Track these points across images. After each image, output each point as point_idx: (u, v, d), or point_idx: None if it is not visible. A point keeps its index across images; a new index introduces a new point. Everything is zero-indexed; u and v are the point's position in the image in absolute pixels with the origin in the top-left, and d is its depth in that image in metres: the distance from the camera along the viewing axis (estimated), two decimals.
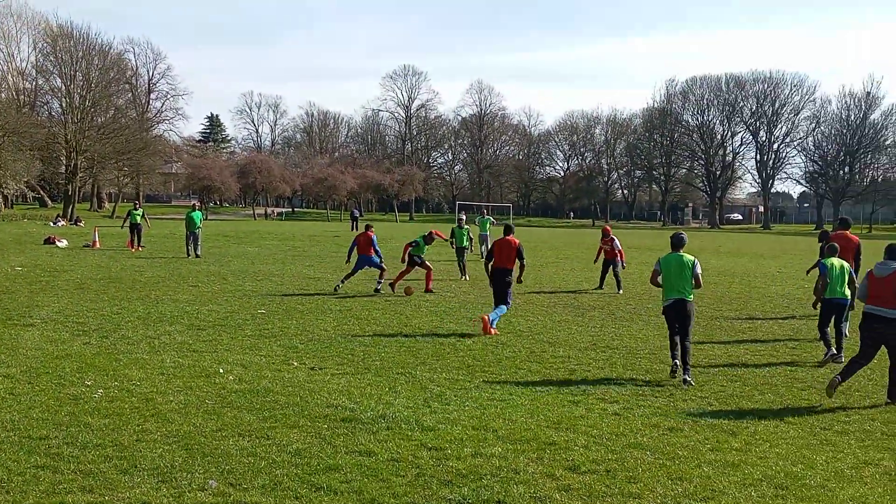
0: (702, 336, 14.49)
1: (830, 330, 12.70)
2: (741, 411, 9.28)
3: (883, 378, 11.11)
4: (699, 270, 11.06)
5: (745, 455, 7.63)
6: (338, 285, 20.21)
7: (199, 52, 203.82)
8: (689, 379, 10.61)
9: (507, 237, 14.93)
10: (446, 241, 26.03)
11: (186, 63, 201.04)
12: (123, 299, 17.65)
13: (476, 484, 6.68)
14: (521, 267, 14.92)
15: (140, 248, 33.45)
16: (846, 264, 12.67)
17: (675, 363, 10.80)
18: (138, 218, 34.40)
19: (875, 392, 10.37)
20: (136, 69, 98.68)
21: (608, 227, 23.12)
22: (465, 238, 25.50)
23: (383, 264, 20.40)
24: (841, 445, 8.04)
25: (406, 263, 20.94)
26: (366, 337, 13.67)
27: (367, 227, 20.92)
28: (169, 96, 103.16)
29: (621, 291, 21.23)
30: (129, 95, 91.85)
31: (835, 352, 12.43)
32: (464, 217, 26.56)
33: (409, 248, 20.87)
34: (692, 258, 11.12)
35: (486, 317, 14.51)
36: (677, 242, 11.30)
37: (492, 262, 14.96)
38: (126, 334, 13.33)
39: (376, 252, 20.28)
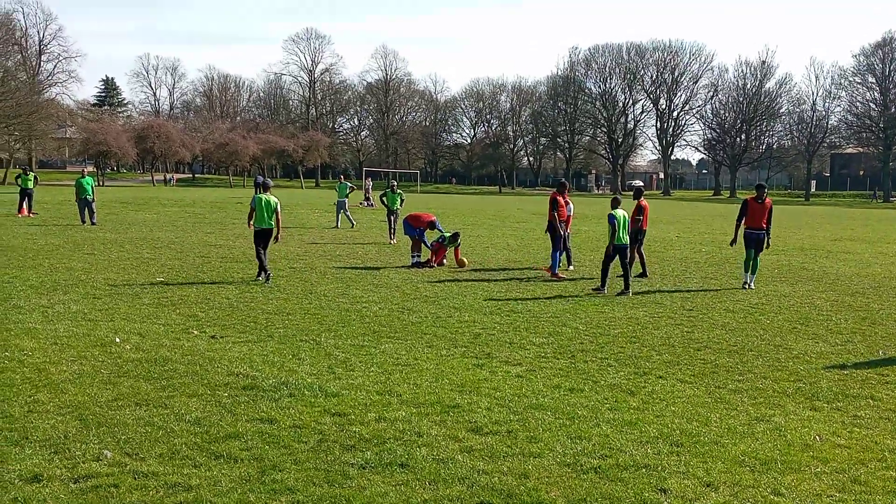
0: (602, 299, 14.80)
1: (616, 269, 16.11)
2: (640, 372, 9.50)
3: (775, 338, 11.59)
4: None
5: (643, 414, 7.82)
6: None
7: (93, 13, 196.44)
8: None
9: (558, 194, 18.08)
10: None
11: (79, 24, 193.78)
12: (15, 267, 16.99)
13: (379, 448, 6.67)
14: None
15: (32, 215, 32.30)
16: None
17: None
18: (30, 183, 33.17)
19: (768, 352, 10.74)
20: (26, 30, 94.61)
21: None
22: (397, 201, 25.57)
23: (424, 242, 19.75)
24: (734, 403, 8.30)
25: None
26: (269, 304, 13.47)
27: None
28: (61, 58, 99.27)
29: (572, 267, 19.03)
30: (19, 57, 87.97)
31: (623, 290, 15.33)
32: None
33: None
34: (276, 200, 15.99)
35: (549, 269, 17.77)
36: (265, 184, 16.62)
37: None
38: (18, 304, 12.83)
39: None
